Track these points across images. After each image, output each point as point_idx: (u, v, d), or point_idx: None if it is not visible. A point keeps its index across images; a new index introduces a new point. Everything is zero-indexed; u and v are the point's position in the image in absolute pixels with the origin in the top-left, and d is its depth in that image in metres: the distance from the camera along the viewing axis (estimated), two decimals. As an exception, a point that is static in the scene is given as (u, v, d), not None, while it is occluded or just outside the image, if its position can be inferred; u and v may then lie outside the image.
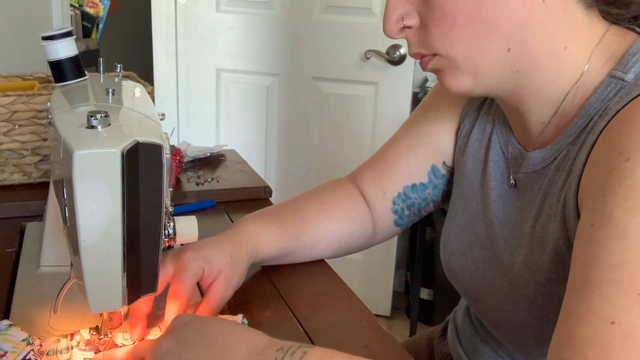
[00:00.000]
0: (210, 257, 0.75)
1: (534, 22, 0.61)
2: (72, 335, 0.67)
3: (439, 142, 0.85)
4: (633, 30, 0.66)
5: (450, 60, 0.64)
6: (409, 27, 0.65)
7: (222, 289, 0.74)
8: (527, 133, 0.71)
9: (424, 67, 0.67)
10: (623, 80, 0.61)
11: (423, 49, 0.65)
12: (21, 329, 0.67)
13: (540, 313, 0.67)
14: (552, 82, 0.65)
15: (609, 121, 0.58)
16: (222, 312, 0.76)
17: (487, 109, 0.80)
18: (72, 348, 0.65)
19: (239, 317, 0.73)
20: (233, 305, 0.78)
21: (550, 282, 0.65)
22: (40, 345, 0.65)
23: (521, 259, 0.69)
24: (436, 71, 0.67)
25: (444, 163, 0.86)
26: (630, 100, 0.57)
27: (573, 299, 0.50)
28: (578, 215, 0.60)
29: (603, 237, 0.50)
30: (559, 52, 0.63)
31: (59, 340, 0.66)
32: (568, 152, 0.64)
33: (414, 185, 0.87)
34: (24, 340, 0.65)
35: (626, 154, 0.52)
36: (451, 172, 0.87)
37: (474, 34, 0.61)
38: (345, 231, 0.89)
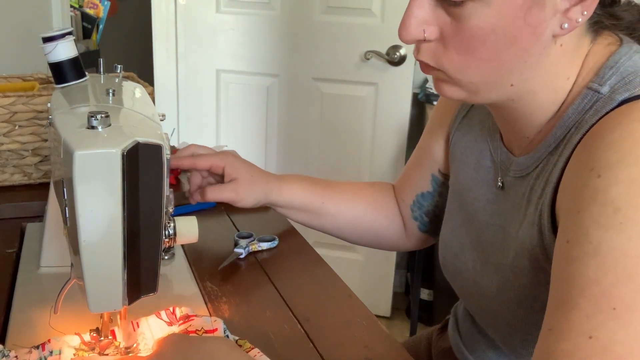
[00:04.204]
0: (235, 161, 0.91)
1: (545, 64, 0.61)
2: (43, 345, 0.66)
3: (433, 151, 0.91)
4: (616, 35, 0.65)
5: (456, 80, 0.63)
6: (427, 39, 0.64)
7: (230, 190, 0.91)
8: (515, 139, 0.72)
9: (425, 72, 0.66)
10: (599, 92, 0.61)
11: (432, 62, 0.63)
12: None
13: (525, 315, 0.69)
14: (544, 107, 0.65)
15: (583, 134, 0.59)
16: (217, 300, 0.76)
17: (477, 115, 0.81)
18: (45, 358, 0.64)
19: (220, 323, 0.70)
20: (233, 305, 0.78)
21: (533, 285, 0.66)
22: (16, 357, 0.65)
23: (508, 262, 0.70)
24: (436, 79, 0.67)
25: (439, 171, 0.91)
26: (604, 115, 0.58)
27: (553, 315, 0.52)
28: (553, 226, 0.61)
29: (579, 254, 0.52)
30: (562, 82, 0.64)
31: (30, 352, 0.65)
32: (547, 162, 0.65)
33: (422, 194, 0.94)
34: None
35: (597, 170, 0.53)
36: (448, 178, 0.89)
37: (489, 70, 0.61)
38: (369, 215, 0.98)
